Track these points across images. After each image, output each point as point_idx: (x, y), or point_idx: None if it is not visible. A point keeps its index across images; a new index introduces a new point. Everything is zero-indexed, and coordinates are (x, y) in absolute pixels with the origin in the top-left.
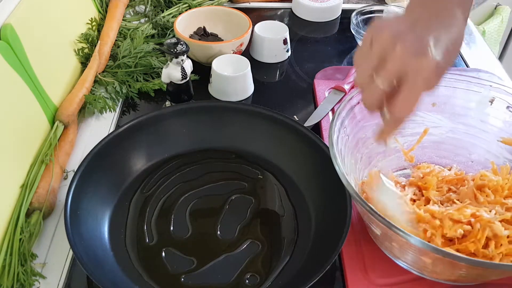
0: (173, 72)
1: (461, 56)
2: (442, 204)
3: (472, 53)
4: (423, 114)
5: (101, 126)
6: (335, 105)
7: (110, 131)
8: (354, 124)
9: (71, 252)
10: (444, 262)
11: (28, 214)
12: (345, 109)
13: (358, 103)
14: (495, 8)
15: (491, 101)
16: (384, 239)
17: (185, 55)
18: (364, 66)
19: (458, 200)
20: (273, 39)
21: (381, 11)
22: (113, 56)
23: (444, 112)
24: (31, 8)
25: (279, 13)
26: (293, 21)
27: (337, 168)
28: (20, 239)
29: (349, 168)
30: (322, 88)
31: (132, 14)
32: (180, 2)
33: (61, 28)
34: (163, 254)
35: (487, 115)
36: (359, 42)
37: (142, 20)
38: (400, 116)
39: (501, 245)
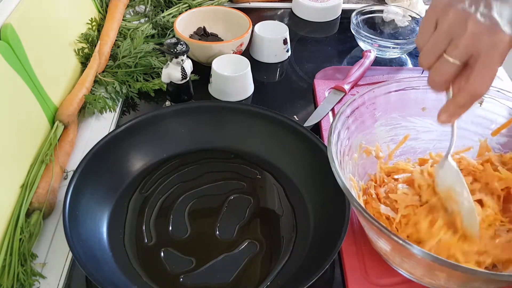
0: (173, 72)
1: None
2: None
3: None
4: (413, 120)
5: (101, 126)
6: (335, 105)
7: (110, 131)
8: (350, 134)
9: (71, 252)
10: (459, 276)
11: (28, 214)
12: (340, 120)
13: (353, 112)
14: None
15: (480, 103)
16: (393, 256)
17: (185, 55)
18: (431, 46)
19: None
20: (273, 39)
21: (381, 11)
22: (113, 56)
23: (434, 116)
24: (31, 8)
25: (279, 13)
26: (293, 21)
27: (340, 182)
28: (20, 239)
29: (349, 181)
30: (322, 88)
31: (132, 14)
32: (180, 2)
33: (61, 28)
34: (162, 254)
35: (478, 116)
36: (359, 43)
37: (142, 20)
38: (476, 93)
39: None
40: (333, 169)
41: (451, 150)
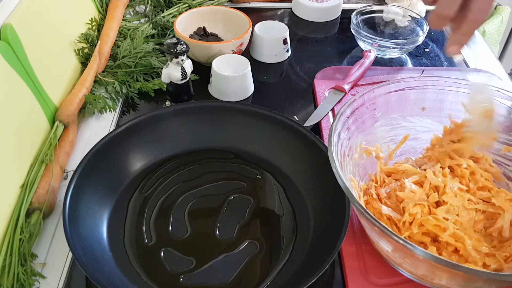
0: (173, 72)
1: None
2: None
3: (472, 53)
4: (413, 120)
5: (101, 126)
6: (335, 105)
7: (110, 131)
8: (350, 135)
9: (71, 252)
10: (461, 276)
11: (28, 214)
12: (340, 121)
13: (353, 113)
14: (495, 8)
15: None
16: (395, 256)
17: (185, 55)
18: None
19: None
20: (273, 39)
21: (381, 11)
22: (113, 56)
23: (434, 116)
24: (31, 8)
25: (279, 13)
26: (293, 21)
27: (341, 182)
28: (20, 239)
29: (349, 181)
30: (322, 88)
31: (132, 14)
32: (180, 2)
33: (61, 28)
34: (162, 254)
35: None
36: (359, 43)
37: (142, 20)
38: (477, 19)
39: None
40: (333, 169)
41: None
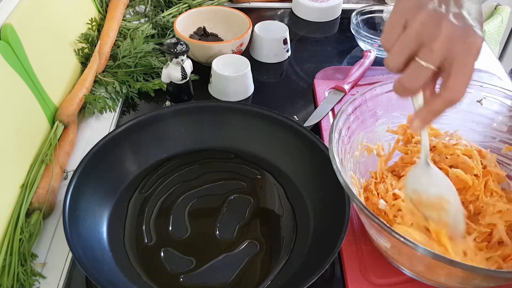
0: (173, 72)
1: None
2: None
3: None
4: None
5: (101, 126)
6: (335, 105)
7: (110, 131)
8: (351, 132)
9: (71, 252)
10: (459, 273)
11: (28, 214)
12: (342, 119)
13: (354, 110)
14: (495, 8)
15: (479, 101)
16: (393, 253)
17: (185, 55)
18: (401, 48)
19: None
20: (273, 39)
21: (381, 11)
22: (113, 56)
23: None
24: (31, 8)
25: (279, 13)
26: (293, 21)
27: (341, 179)
28: (20, 239)
29: (350, 178)
30: (322, 88)
31: (132, 14)
32: (180, 2)
33: (61, 28)
34: (162, 254)
35: (479, 115)
36: (359, 43)
37: (142, 20)
38: (454, 100)
39: None
40: (334, 166)
41: (428, 154)
